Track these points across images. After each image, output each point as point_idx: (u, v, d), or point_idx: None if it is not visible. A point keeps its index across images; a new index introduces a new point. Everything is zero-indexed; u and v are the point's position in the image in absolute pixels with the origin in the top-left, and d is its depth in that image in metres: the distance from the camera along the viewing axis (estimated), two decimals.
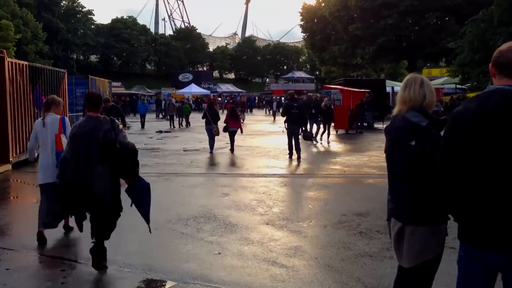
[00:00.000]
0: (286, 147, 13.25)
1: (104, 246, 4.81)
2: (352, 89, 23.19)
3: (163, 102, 38.43)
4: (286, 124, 12.93)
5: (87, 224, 4.84)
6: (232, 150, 14.62)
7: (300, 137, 13.42)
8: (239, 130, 14.77)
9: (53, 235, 6.13)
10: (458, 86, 29.67)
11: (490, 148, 2.19)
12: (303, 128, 13.38)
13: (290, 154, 12.93)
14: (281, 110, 16.74)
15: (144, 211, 5.02)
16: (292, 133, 12.83)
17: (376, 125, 23.46)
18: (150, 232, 5.08)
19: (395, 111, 2.92)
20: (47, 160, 5.82)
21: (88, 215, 4.89)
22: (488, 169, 2.20)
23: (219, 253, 5.31)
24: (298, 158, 12.76)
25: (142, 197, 5.02)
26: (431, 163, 2.54)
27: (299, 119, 12.93)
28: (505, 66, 2.26)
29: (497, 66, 2.30)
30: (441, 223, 2.73)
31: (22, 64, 12.39)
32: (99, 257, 4.75)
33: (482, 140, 2.20)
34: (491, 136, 2.18)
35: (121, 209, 4.95)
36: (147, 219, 5.03)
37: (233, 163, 12.53)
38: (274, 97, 48.67)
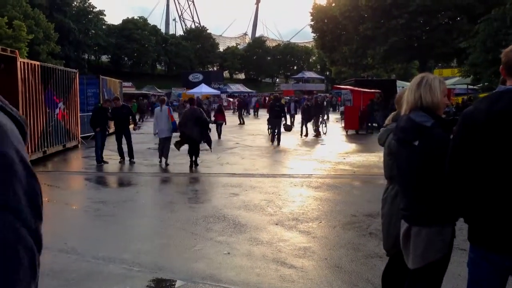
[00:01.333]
0: (296, 147, 16.14)
1: (197, 160, 11.67)
2: (362, 89, 23.09)
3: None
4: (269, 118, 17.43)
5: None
6: (219, 136, 18.53)
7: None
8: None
9: (61, 235, 6.19)
10: (470, 86, 29.38)
11: (500, 148, 2.17)
12: (284, 121, 17.34)
13: (272, 139, 16.98)
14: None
15: (209, 145, 12.06)
16: (274, 125, 16.95)
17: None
18: (211, 151, 12.78)
19: (402, 111, 2.91)
20: (162, 127, 11.87)
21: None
22: (498, 169, 2.18)
23: (228, 253, 5.31)
24: (278, 144, 16.55)
25: (208, 140, 11.86)
26: (435, 163, 2.52)
27: (280, 114, 17.02)
28: (511, 67, 2.25)
29: (505, 67, 2.29)
30: (447, 224, 2.70)
31: (34, 64, 12.51)
32: (195, 164, 11.58)
33: (492, 141, 2.18)
34: (501, 137, 2.16)
35: (200, 142, 11.69)
36: (210, 146, 12.18)
37: (242, 163, 12.54)
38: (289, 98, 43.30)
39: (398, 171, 2.92)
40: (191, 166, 11.50)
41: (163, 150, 11.93)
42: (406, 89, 3.54)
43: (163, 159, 11.89)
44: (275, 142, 16.60)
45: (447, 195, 2.50)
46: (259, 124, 26.23)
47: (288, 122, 20.04)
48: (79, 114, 16.32)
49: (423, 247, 2.71)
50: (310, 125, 19.96)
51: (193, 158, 11.61)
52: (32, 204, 0.68)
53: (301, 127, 19.80)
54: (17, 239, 0.64)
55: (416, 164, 2.69)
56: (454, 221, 2.72)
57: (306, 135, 19.49)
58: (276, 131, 16.78)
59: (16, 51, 11.73)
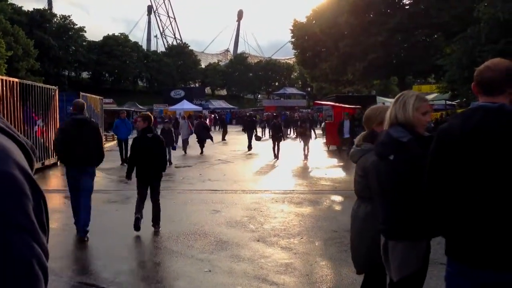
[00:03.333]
0: (277, 163, 16.25)
1: (203, 150, 19.40)
2: (343, 105, 23.32)
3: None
4: (244, 130, 23.04)
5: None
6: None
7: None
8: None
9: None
10: (448, 102, 29.99)
11: (475, 164, 2.21)
12: (255, 133, 21.57)
13: (249, 147, 20.73)
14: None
15: (211, 139, 20.73)
16: (250, 135, 21.25)
17: None
18: (213, 143, 21.58)
19: (384, 126, 2.96)
20: (184, 132, 19.04)
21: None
22: (473, 184, 2.22)
23: (210, 271, 5.27)
24: (250, 149, 20.68)
25: (211, 138, 20.49)
26: (410, 178, 2.56)
27: (252, 126, 21.66)
28: (483, 85, 2.32)
29: (477, 85, 2.36)
30: (422, 238, 2.75)
31: (12, 81, 12.36)
32: (201, 152, 19.19)
33: (467, 157, 2.23)
34: (475, 153, 2.21)
35: (205, 139, 19.92)
36: (212, 140, 20.92)
37: (224, 180, 12.51)
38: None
39: (378, 185, 2.95)
40: (201, 153, 18.89)
41: (184, 145, 18.82)
42: (376, 108, 3.61)
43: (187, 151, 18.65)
44: (249, 149, 20.68)
45: (424, 210, 2.54)
46: (241, 140, 26.22)
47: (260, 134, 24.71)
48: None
49: (399, 261, 2.76)
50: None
51: (202, 149, 19.19)
52: (39, 220, 0.75)
53: (273, 148, 17.29)
54: (33, 256, 0.71)
55: (391, 178, 2.74)
56: (429, 236, 2.76)
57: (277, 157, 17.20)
58: (250, 140, 21.09)
59: None
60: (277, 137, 17.58)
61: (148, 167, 6.85)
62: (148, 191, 6.95)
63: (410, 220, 2.69)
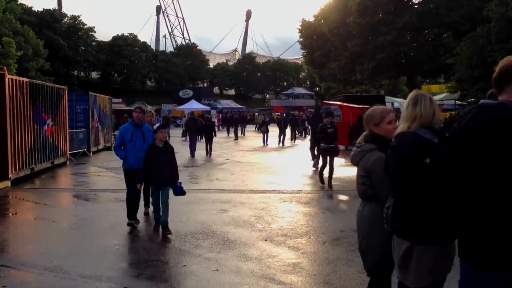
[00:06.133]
0: (285, 162, 16.19)
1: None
2: (351, 105, 23.25)
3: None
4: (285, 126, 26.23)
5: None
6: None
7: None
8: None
9: (47, 253, 6.11)
10: (458, 102, 29.76)
11: (469, 162, 2.21)
12: (298, 129, 27.76)
13: (293, 139, 27.04)
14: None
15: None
16: (293, 130, 27.12)
17: None
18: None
19: (401, 128, 2.77)
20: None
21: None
22: (488, 184, 2.18)
23: (217, 270, 5.27)
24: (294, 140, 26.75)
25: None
26: (444, 180, 2.46)
27: (296, 123, 27.29)
28: (493, 83, 2.32)
29: (498, 79, 2.32)
30: (452, 242, 2.62)
31: (22, 81, 12.45)
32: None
33: (462, 155, 2.23)
34: (469, 150, 2.21)
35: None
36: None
37: (232, 179, 12.52)
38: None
39: (399, 188, 2.76)
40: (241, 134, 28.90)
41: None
42: (376, 109, 3.54)
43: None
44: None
45: (444, 210, 2.50)
46: (250, 140, 26.25)
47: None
48: (67, 131, 16.23)
49: (430, 266, 2.62)
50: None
51: (243, 133, 30.09)
52: None
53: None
54: None
55: (427, 181, 2.56)
56: (455, 238, 2.66)
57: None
58: (293, 134, 27.16)
59: (4, 67, 11.68)
60: (331, 150, 11.51)
61: (208, 134, 18.02)
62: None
63: (443, 223, 2.56)
